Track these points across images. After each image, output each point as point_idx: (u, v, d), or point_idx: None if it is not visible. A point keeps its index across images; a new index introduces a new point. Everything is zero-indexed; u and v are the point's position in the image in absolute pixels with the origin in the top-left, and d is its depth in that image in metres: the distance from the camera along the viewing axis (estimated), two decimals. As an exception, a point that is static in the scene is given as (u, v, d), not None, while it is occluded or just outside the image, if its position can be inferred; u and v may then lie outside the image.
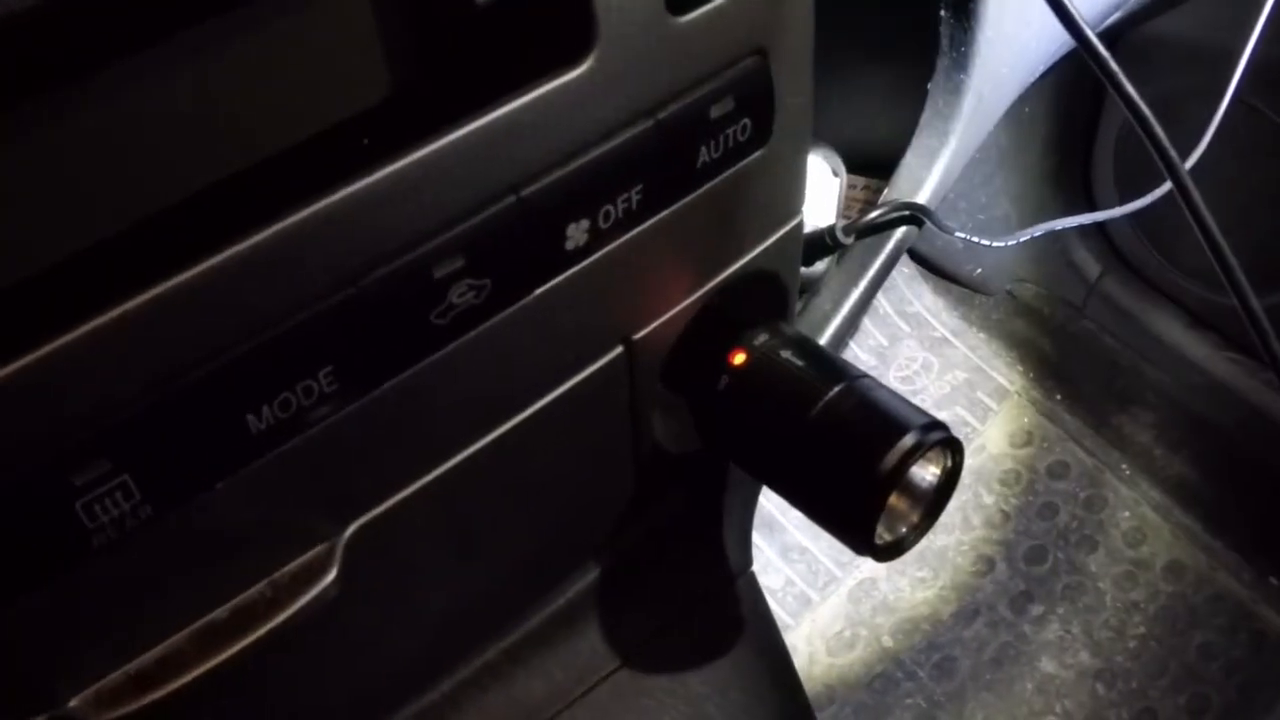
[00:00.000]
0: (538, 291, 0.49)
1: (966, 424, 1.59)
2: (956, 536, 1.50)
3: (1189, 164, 0.82)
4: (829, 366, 0.58)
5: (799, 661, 1.41)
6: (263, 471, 0.44)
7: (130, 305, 0.38)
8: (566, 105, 0.45)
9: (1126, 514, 1.50)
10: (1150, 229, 1.45)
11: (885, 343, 1.65)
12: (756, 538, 1.48)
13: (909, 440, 0.54)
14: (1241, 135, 1.21)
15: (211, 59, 0.38)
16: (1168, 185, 0.68)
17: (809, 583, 1.46)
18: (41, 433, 0.38)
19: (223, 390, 0.41)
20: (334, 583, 0.48)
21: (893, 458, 0.54)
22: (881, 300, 1.67)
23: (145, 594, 0.44)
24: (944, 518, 1.45)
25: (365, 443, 0.47)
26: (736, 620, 0.74)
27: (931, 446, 0.55)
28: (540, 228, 0.47)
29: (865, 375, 0.58)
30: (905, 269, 1.69)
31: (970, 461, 1.55)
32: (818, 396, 0.56)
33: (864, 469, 0.54)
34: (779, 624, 1.43)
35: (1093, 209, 1.49)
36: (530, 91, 0.44)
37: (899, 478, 0.54)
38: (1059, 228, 0.85)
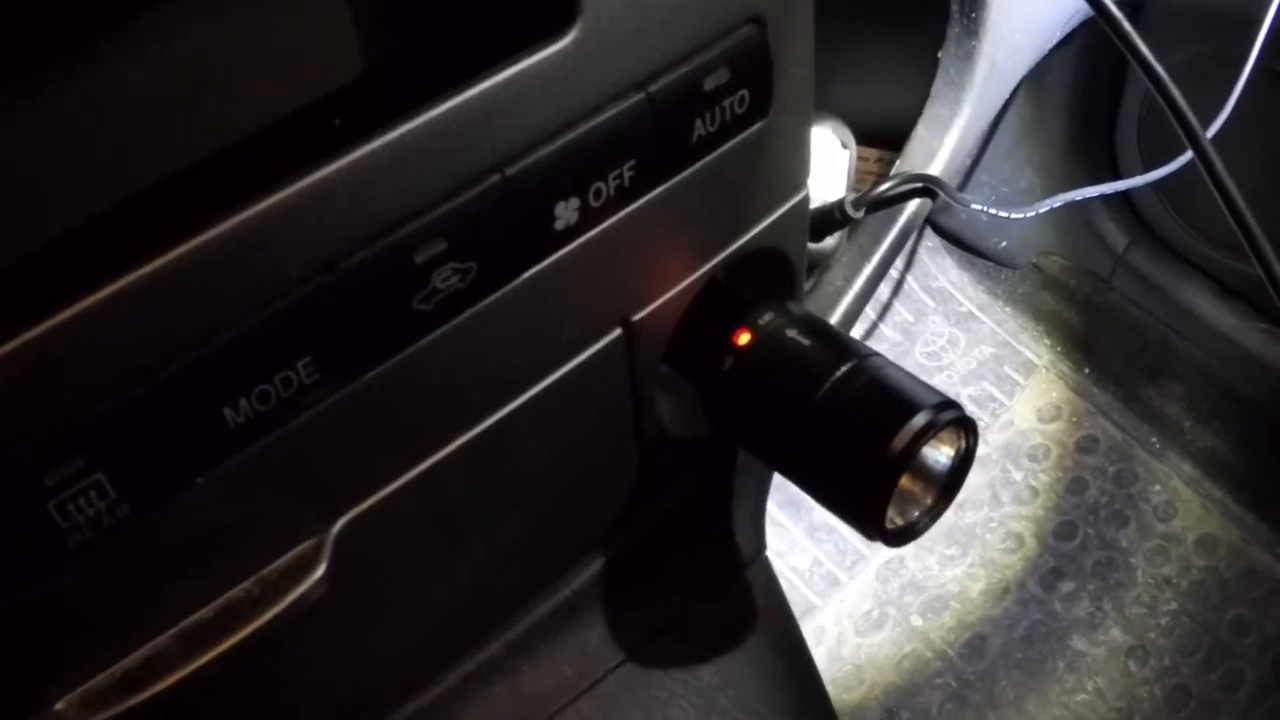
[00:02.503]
0: (527, 274, 0.47)
1: (994, 399, 1.57)
2: (985, 513, 1.48)
3: (1211, 132, 0.81)
4: (837, 345, 0.56)
5: (827, 642, 1.40)
6: (244, 466, 0.43)
7: (98, 297, 0.37)
8: (551, 80, 0.44)
9: (1157, 488, 1.48)
10: (1176, 199, 1.42)
11: (911, 319, 1.63)
12: (783, 517, 1.48)
13: (920, 420, 0.53)
14: (1269, 101, 1.19)
15: (175, 39, 0.37)
16: (1190, 154, 0.66)
17: (836, 562, 1.45)
18: (10, 431, 0.37)
19: (197, 383, 0.40)
20: (323, 579, 0.47)
21: (903, 438, 0.52)
22: (907, 276, 1.65)
23: (128, 593, 0.43)
24: (972, 494, 1.44)
25: (351, 434, 0.45)
26: (749, 608, 0.73)
27: (944, 427, 0.53)
28: (527, 208, 0.45)
29: (875, 353, 0.56)
30: (929, 243, 1.67)
31: (998, 437, 1.53)
32: (825, 376, 0.55)
33: (873, 450, 0.53)
34: (807, 604, 1.42)
35: (1117, 178, 1.47)
36: (511, 66, 0.42)
37: (910, 459, 0.52)
38: (1078, 198, 0.83)
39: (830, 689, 1.37)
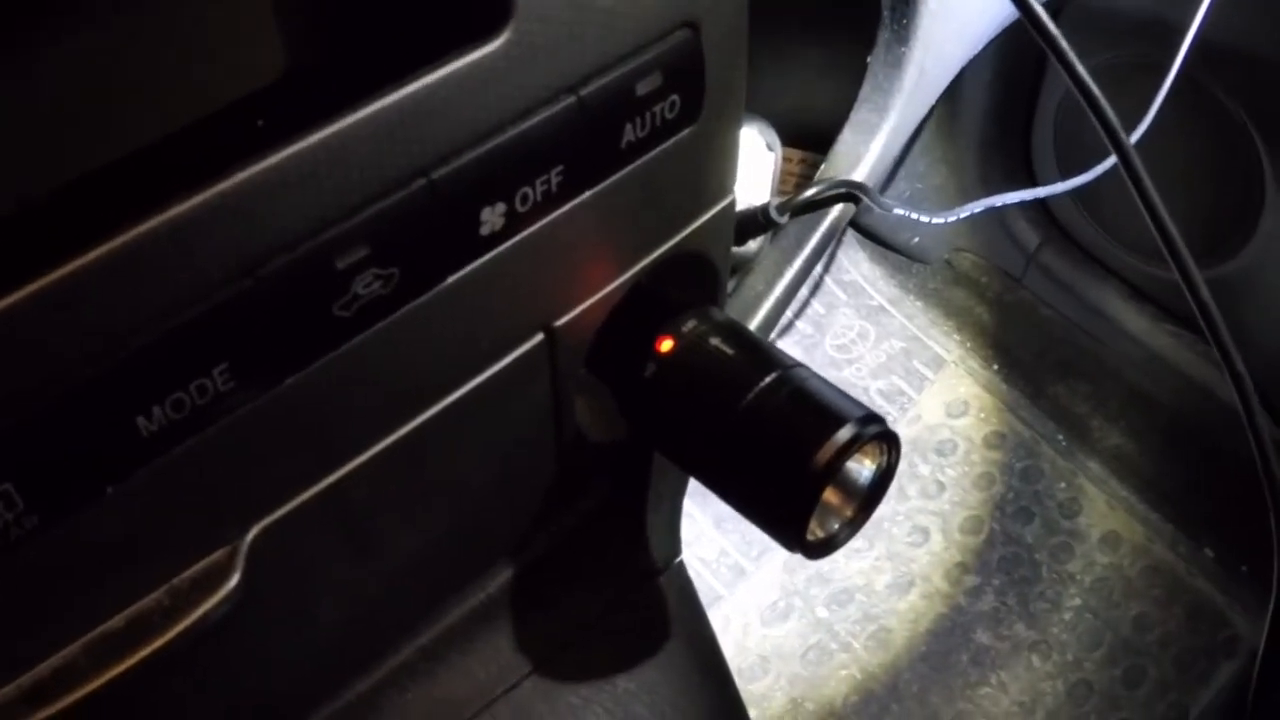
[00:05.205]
0: (450, 280, 0.46)
1: (903, 393, 1.58)
2: (892, 506, 1.49)
3: (1134, 138, 0.81)
4: (761, 355, 0.56)
5: (733, 632, 1.40)
6: (156, 476, 0.41)
7: (6, 302, 0.35)
8: (481, 82, 0.43)
9: (1063, 485, 1.49)
10: (1090, 201, 1.44)
11: (822, 311, 1.64)
12: (690, 507, 1.47)
13: (845, 434, 0.52)
14: (1185, 109, 1.20)
15: (90, 36, 0.35)
16: (1112, 160, 0.67)
17: (743, 553, 1.45)
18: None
19: (109, 391, 0.38)
20: (236, 588, 0.46)
21: (827, 452, 0.52)
22: (818, 269, 1.65)
23: (35, 604, 0.42)
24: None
25: (267, 442, 0.44)
26: (664, 613, 0.73)
27: (868, 440, 0.53)
28: (452, 213, 0.44)
29: (799, 364, 0.55)
30: (843, 236, 1.67)
31: (906, 431, 1.54)
32: (748, 386, 0.54)
33: (797, 463, 0.52)
34: (713, 594, 1.42)
35: (1032, 179, 1.48)
36: (441, 68, 0.41)
37: (833, 473, 0.52)
38: (999, 204, 0.83)
39: (735, 679, 1.38)
